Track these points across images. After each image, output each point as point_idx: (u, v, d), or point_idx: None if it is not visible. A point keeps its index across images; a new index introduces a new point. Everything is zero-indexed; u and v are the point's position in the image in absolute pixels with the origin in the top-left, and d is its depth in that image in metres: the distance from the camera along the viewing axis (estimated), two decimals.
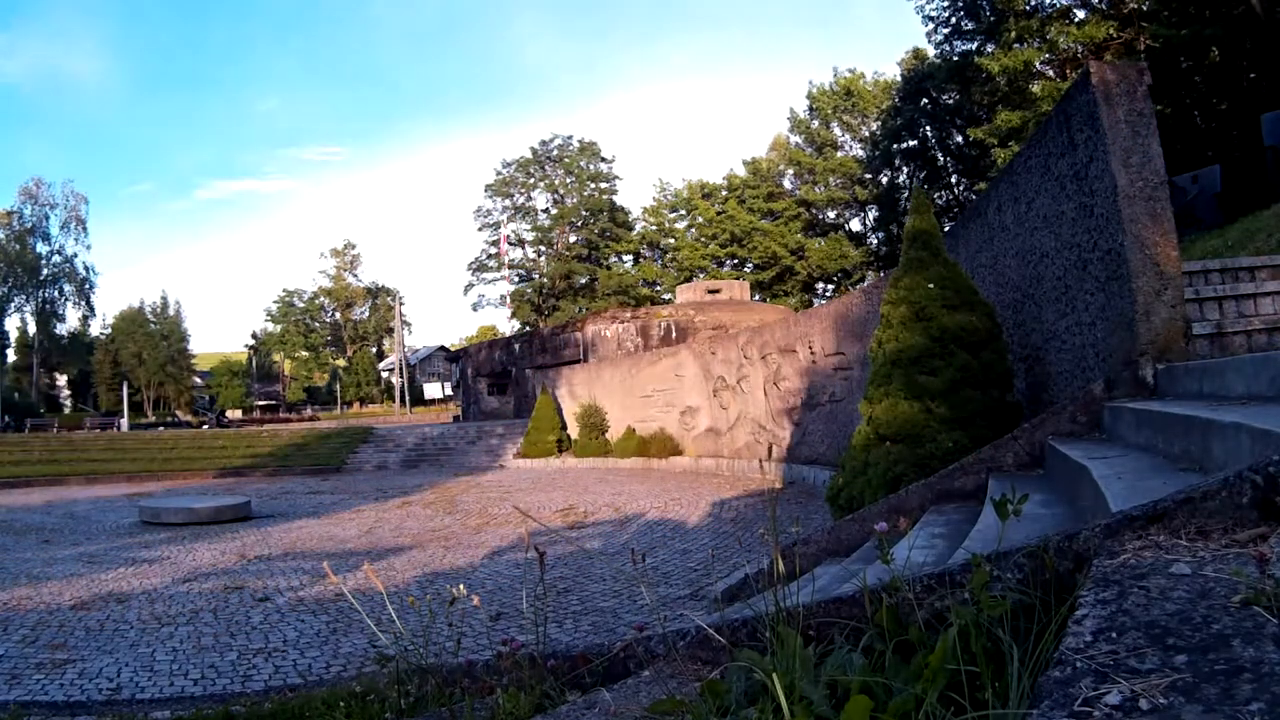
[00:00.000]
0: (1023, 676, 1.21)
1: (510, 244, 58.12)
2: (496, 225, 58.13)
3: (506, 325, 58.13)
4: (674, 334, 24.09)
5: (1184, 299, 4.87)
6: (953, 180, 40.43)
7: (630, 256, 58.79)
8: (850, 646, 1.58)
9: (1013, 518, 1.66)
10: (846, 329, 12.23)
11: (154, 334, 65.82)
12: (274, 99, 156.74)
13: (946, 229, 11.45)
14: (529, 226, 59.92)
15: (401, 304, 60.25)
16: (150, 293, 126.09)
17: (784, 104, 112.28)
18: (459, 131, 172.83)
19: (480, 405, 28.97)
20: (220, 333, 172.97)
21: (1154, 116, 4.93)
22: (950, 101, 35.75)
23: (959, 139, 37.97)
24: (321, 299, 72.03)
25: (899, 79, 41.01)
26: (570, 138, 58.86)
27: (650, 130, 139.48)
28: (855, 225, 48.55)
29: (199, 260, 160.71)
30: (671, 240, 54.13)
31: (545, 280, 57.69)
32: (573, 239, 58.48)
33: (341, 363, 71.83)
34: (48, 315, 58.01)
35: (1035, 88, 24.74)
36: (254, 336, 74.28)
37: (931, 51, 34.16)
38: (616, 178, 59.62)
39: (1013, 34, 24.28)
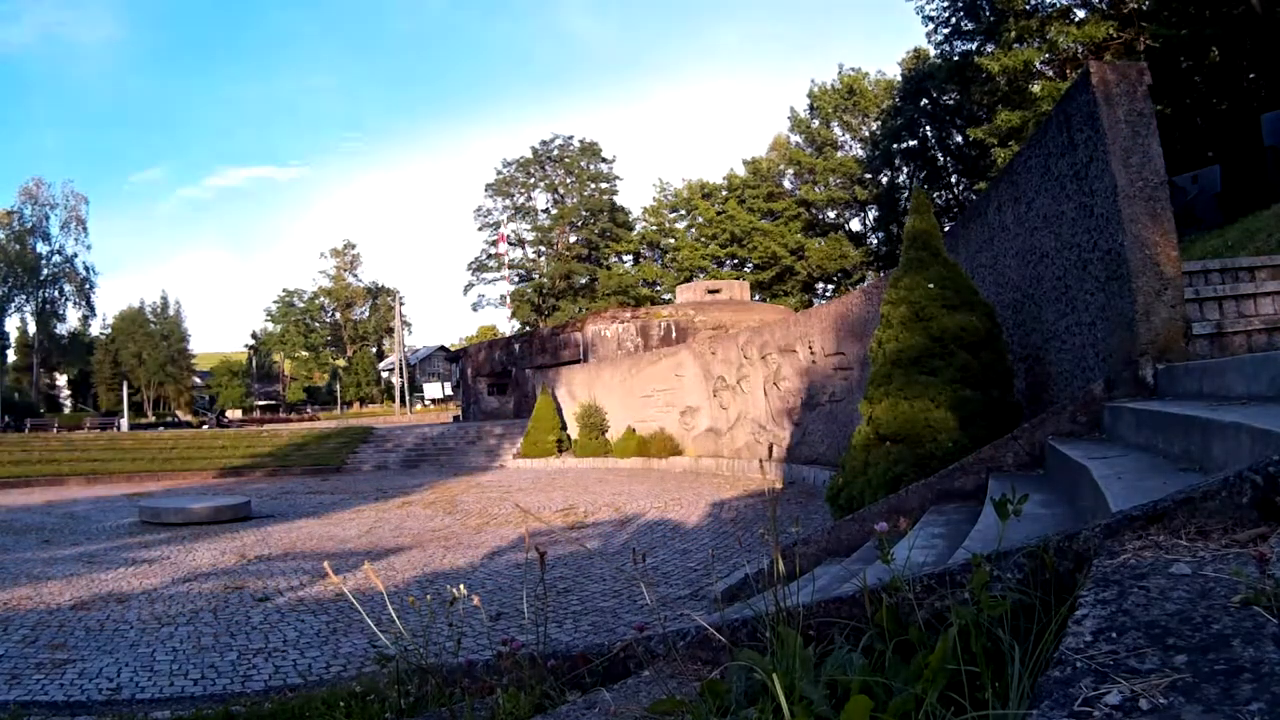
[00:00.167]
0: (1023, 676, 1.21)
1: (510, 244, 58.14)
2: (496, 225, 58.15)
3: (506, 325, 58.22)
4: (674, 334, 24.09)
5: (1184, 299, 4.87)
6: (953, 180, 40.45)
7: (630, 256, 58.80)
8: (850, 646, 1.58)
9: (1013, 518, 1.66)
10: (846, 329, 12.23)
11: (154, 334, 65.85)
12: (290, 82, 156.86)
13: (946, 229, 11.46)
14: (529, 226, 59.97)
15: (401, 304, 60.28)
16: (150, 293, 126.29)
17: (784, 104, 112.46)
18: (459, 131, 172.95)
19: (480, 405, 28.97)
20: (220, 333, 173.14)
21: (1154, 116, 4.93)
22: (950, 101, 35.78)
23: (959, 139, 38.00)
24: (321, 299, 72.05)
25: (900, 79, 41.04)
26: (571, 138, 58.97)
27: (650, 130, 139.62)
28: (855, 225, 48.61)
29: (199, 260, 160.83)
30: (671, 240, 54.14)
31: (545, 280, 57.71)
32: (573, 239, 58.50)
33: (341, 363, 71.85)
34: (48, 315, 58.03)
35: (1035, 88, 24.76)
36: (254, 336, 74.33)
37: (932, 51, 34.18)
38: (617, 178, 59.72)
39: (1013, 34, 24.29)
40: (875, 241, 46.03)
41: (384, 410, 58.58)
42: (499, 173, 59.87)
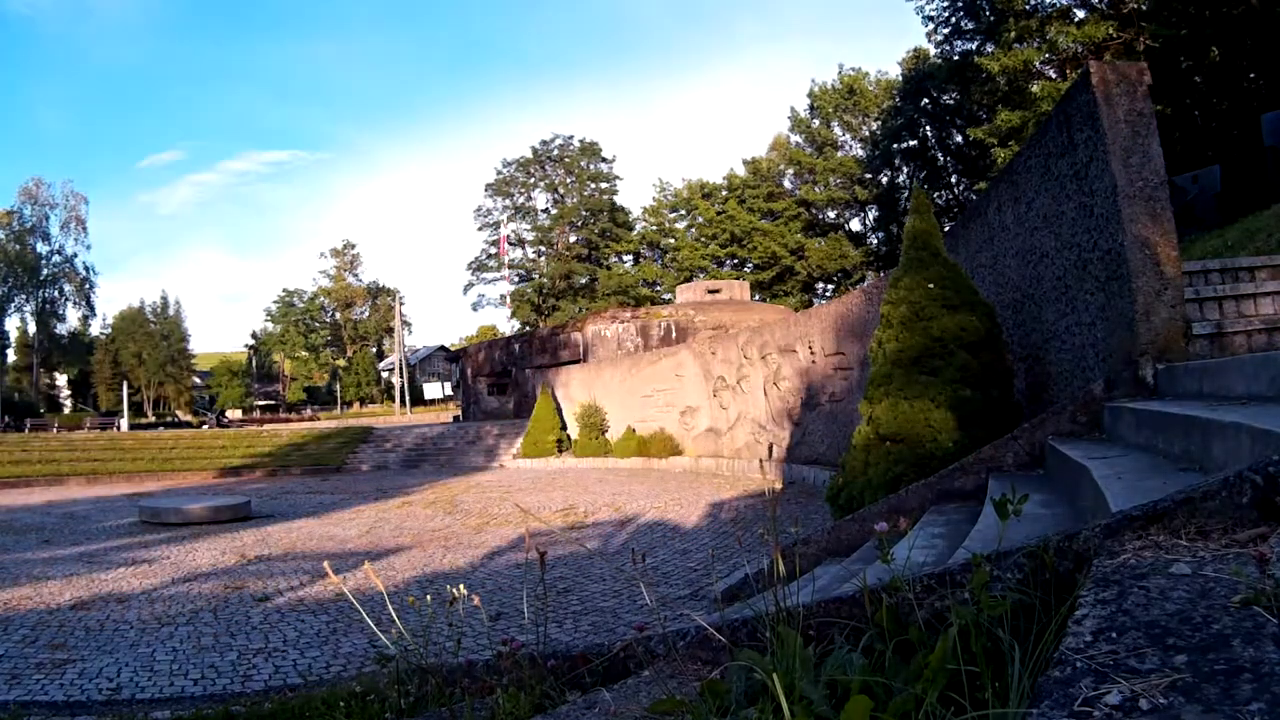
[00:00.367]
0: (1023, 676, 1.21)
1: (510, 244, 58.15)
2: (496, 225, 58.15)
3: (506, 325, 58.21)
4: (674, 334, 24.09)
5: (1184, 299, 4.87)
6: (953, 180, 40.45)
7: (630, 256, 58.80)
8: (850, 646, 1.58)
9: (1013, 518, 1.66)
10: (846, 329, 12.23)
11: (154, 334, 65.87)
12: (290, 80, 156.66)
13: (946, 229, 11.46)
14: (529, 226, 59.97)
15: (401, 304, 60.26)
16: (150, 292, 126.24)
17: (784, 104, 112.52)
18: (459, 131, 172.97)
19: (480, 405, 28.97)
20: (220, 333, 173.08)
21: (1154, 116, 4.93)
22: (950, 101, 35.79)
23: (959, 139, 38.01)
24: (321, 299, 72.02)
25: (900, 79, 41.05)
26: (571, 138, 58.97)
27: (650, 130, 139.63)
28: (855, 225, 48.62)
29: (199, 259, 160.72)
30: (671, 240, 54.15)
31: (545, 280, 57.70)
32: (573, 239, 58.50)
33: (341, 363, 71.82)
34: (48, 315, 58.03)
35: (1035, 88, 24.75)
36: (254, 336, 74.32)
37: (932, 51, 34.19)
38: (617, 178, 59.72)
39: (1013, 34, 24.29)
40: (875, 241, 46.04)
41: (384, 410, 58.55)
42: (499, 173, 59.93)
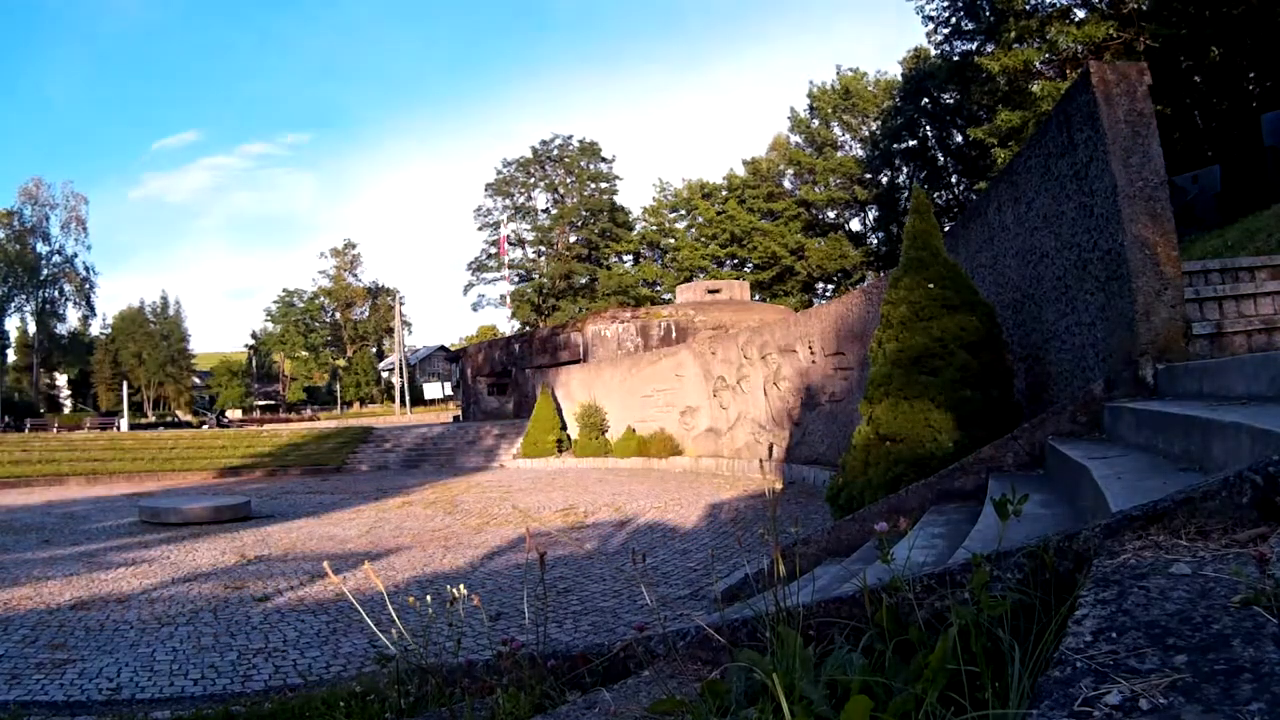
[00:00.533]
0: (1023, 676, 1.21)
1: (510, 244, 58.14)
2: (496, 225, 58.14)
3: (506, 325, 58.21)
4: (674, 334, 24.09)
5: (1184, 299, 4.87)
6: (953, 180, 40.46)
7: (630, 256, 58.80)
8: (850, 646, 1.58)
9: (1013, 518, 1.66)
10: (846, 329, 12.23)
11: (154, 334, 65.88)
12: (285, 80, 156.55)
13: (946, 229, 11.46)
14: (529, 226, 59.96)
15: (401, 304, 60.26)
16: (150, 292, 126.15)
17: (784, 104, 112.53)
18: (460, 131, 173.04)
19: (480, 405, 28.96)
20: (220, 333, 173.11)
21: (1154, 116, 4.93)
22: (950, 101, 35.79)
23: (959, 139, 38.02)
24: (321, 299, 72.01)
25: (900, 78, 41.05)
26: (570, 138, 58.95)
27: (650, 130, 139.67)
28: (855, 225, 48.62)
29: (205, 253, 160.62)
30: (671, 240, 54.15)
31: (545, 280, 57.70)
32: (573, 239, 58.50)
33: (341, 363, 71.81)
34: (48, 315, 58.04)
35: (1035, 88, 24.73)
36: (254, 336, 74.33)
37: (932, 51, 34.17)
38: (617, 178, 59.70)
39: (1013, 34, 24.28)
40: (875, 241, 46.03)
41: (384, 410, 58.55)
42: (499, 173, 59.91)
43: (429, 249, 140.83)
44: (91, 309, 61.35)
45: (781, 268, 47.64)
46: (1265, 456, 1.57)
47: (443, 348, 74.43)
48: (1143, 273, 4.74)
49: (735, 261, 49.94)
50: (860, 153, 45.89)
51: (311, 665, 5.18)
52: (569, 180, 59.24)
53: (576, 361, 24.64)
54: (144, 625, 6.17)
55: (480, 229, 60.40)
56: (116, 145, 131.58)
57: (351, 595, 3.51)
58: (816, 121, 47.97)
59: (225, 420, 51.01)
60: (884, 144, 41.12)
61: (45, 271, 57.17)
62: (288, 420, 49.18)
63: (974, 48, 28.29)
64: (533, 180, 60.08)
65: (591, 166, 58.89)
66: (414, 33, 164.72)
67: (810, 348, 13.38)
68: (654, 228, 55.78)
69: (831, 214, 48.92)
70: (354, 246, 73.61)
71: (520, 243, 60.25)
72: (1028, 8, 24.38)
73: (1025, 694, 1.17)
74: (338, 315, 72.53)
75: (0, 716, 4.10)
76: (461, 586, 2.88)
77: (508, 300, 56.18)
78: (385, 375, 70.60)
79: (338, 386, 69.40)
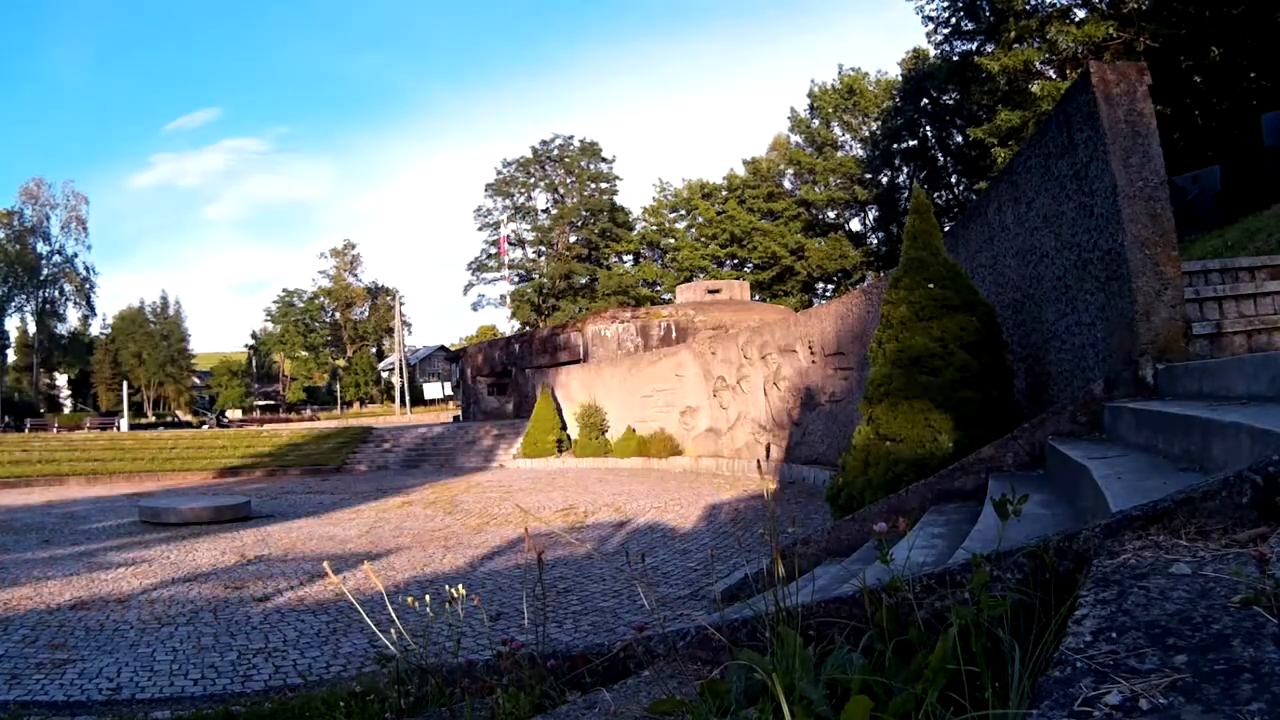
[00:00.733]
0: (1023, 676, 1.21)
1: (510, 244, 58.14)
2: (496, 225, 58.14)
3: (506, 325, 58.21)
4: (674, 334, 24.09)
5: (1184, 299, 4.87)
6: (953, 180, 40.46)
7: (630, 256, 58.80)
8: (850, 646, 1.58)
9: (1013, 518, 1.66)
10: (846, 329, 12.23)
11: (154, 334, 65.88)
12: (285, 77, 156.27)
13: (946, 229, 11.46)
14: (529, 226, 59.97)
15: (401, 304, 60.26)
16: (150, 292, 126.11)
17: (784, 104, 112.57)
18: (460, 130, 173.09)
19: (480, 405, 28.96)
20: (220, 332, 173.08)
21: (1154, 116, 4.93)
22: (950, 101, 35.79)
23: (959, 139, 38.02)
24: (321, 299, 72.01)
25: (900, 79, 41.05)
26: (571, 138, 58.96)
27: (650, 130, 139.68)
28: (855, 225, 48.61)
29: (206, 251, 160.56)
30: (671, 240, 54.14)
31: (545, 280, 57.70)
32: (573, 239, 58.50)
33: (341, 363, 71.81)
34: (48, 315, 58.05)
35: (1035, 88, 24.72)
36: (254, 336, 74.33)
37: (932, 51, 34.18)
38: (617, 178, 59.71)
39: (1013, 34, 24.28)
40: (875, 241, 46.03)
41: (384, 410, 58.54)
42: (499, 173, 59.91)
43: (429, 249, 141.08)
44: (91, 309, 61.46)
45: (781, 268, 47.64)
46: (1265, 456, 1.57)
47: (443, 348, 74.43)
48: (1143, 273, 4.74)
49: (735, 261, 49.94)
50: (860, 153, 45.89)
51: (311, 665, 5.18)
52: (569, 180, 59.24)
53: (576, 361, 24.63)
54: (144, 625, 6.17)
55: (480, 229, 60.47)
56: (128, 122, 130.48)
57: (351, 595, 3.50)
58: (817, 121, 47.97)
59: (225, 420, 51.02)
60: (884, 144, 41.12)
61: (45, 271, 57.19)
62: (288, 420, 49.18)
63: (974, 48, 28.29)
64: (533, 180, 60.10)
65: (591, 166, 58.89)
66: (412, 32, 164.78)
67: (810, 348, 13.37)
68: (654, 228, 55.78)
69: (831, 214, 48.92)
70: (354, 246, 73.64)
71: (520, 243, 60.27)
72: (1028, 8, 24.38)
73: (1025, 694, 1.17)
74: (338, 315, 72.51)
75: (0, 716, 4.10)
76: (461, 586, 2.88)
77: (508, 300, 56.19)
78: (385, 375, 70.61)
79: (338, 386, 69.40)
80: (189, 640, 5.73)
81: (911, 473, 5.97)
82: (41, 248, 57.07)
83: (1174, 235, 4.83)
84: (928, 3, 29.63)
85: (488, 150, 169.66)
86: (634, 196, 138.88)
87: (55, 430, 33.67)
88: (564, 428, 20.80)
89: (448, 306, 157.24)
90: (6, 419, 41.68)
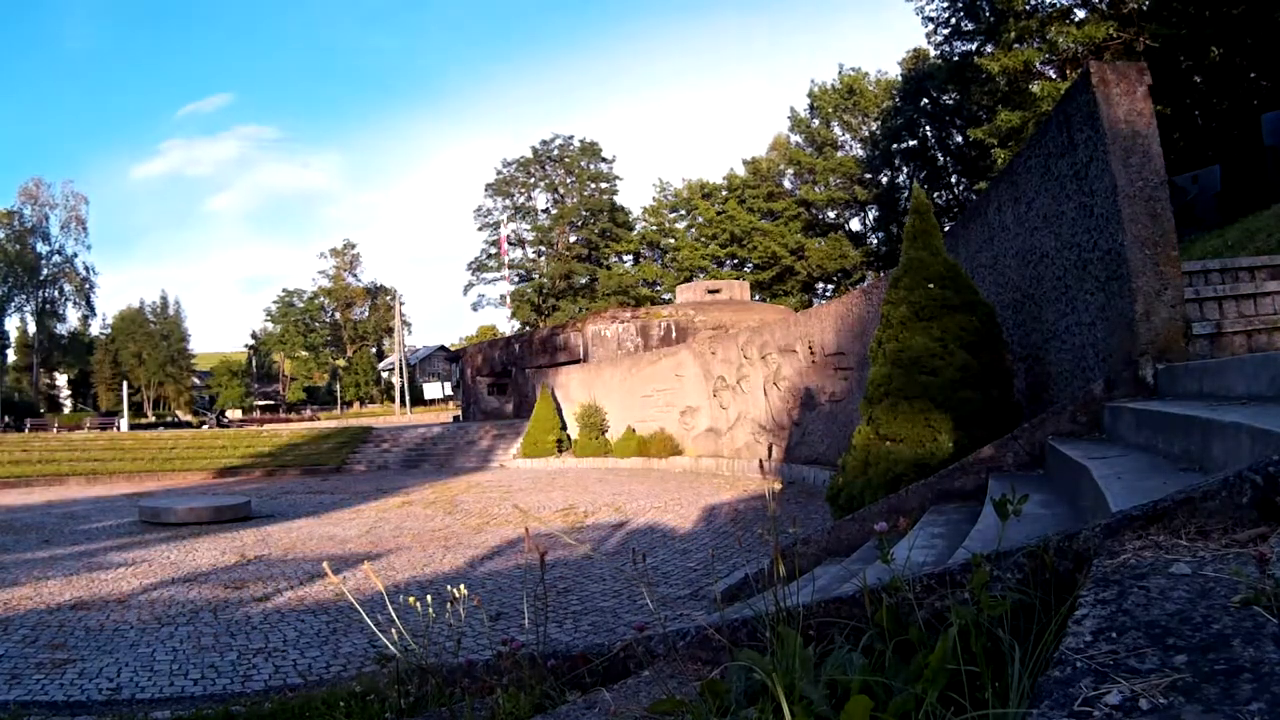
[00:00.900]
0: (1023, 676, 1.21)
1: (510, 244, 58.15)
2: (496, 225, 58.15)
3: (506, 325, 58.22)
4: (674, 334, 24.09)
5: (1184, 299, 4.87)
6: (953, 180, 40.47)
7: (630, 256, 58.80)
8: (850, 646, 1.58)
9: (1013, 518, 1.66)
10: (846, 329, 12.23)
11: (154, 334, 65.90)
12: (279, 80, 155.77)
13: (946, 229, 11.45)
14: (529, 226, 59.96)
15: (401, 304, 60.24)
16: (150, 292, 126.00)
17: (784, 104, 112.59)
18: (460, 131, 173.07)
19: (480, 405, 28.96)
20: (220, 332, 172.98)
21: (1154, 116, 4.92)
22: (950, 101, 35.79)
23: (959, 139, 38.02)
24: (321, 299, 72.01)
25: (900, 79, 41.06)
26: (571, 138, 58.98)
27: (650, 130, 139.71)
28: (855, 225, 48.62)
29: (208, 253, 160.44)
30: (671, 240, 54.15)
31: (545, 280, 57.70)
32: (573, 239, 58.51)
33: (341, 363, 71.81)
34: (48, 315, 58.06)
35: (1035, 88, 24.71)
36: (254, 336, 74.34)
37: (932, 52, 34.17)
38: (617, 178, 59.72)
39: (1012, 34, 24.27)
40: (875, 241, 46.03)
41: (384, 410, 58.54)
42: (499, 173, 59.93)
43: (429, 249, 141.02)
44: (91, 309, 61.48)
45: (781, 268, 47.64)
46: (1265, 456, 1.57)
47: (443, 348, 74.41)
48: (1143, 273, 4.74)
49: (735, 261, 49.94)
50: (860, 153, 45.89)
51: (311, 665, 5.18)
52: (569, 180, 59.25)
53: (576, 361, 24.63)
54: (144, 625, 6.17)
55: (480, 229, 60.48)
56: (140, 105, 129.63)
57: (351, 595, 3.51)
58: (817, 121, 47.98)
59: (225, 420, 51.02)
60: (884, 144, 41.14)
61: (45, 271, 57.19)
62: (287, 420, 49.17)
63: (974, 48, 28.28)
64: (533, 180, 60.11)
65: (591, 166, 58.90)
66: (412, 32, 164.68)
67: (810, 348, 13.37)
68: (654, 228, 55.78)
69: (831, 214, 48.92)
70: (354, 246, 73.67)
71: (520, 243, 60.28)
72: (1028, 8, 24.37)
73: (1025, 694, 1.17)
74: (337, 315, 72.51)
75: (0, 716, 4.10)
76: (461, 586, 2.88)
77: (508, 300, 56.19)
78: (385, 375, 70.60)
79: (337, 386, 69.40)
80: (189, 640, 5.73)
81: (911, 473, 5.97)
82: (41, 248, 57.11)
83: (1174, 235, 4.83)
84: (928, 3, 29.64)
85: (488, 150, 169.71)
86: (634, 196, 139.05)
87: (55, 430, 33.67)
88: (564, 428, 20.80)
89: (448, 306, 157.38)
90: (6, 419, 41.68)
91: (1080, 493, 3.71)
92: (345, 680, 4.25)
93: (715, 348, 16.73)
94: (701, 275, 48.36)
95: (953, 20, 29.34)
